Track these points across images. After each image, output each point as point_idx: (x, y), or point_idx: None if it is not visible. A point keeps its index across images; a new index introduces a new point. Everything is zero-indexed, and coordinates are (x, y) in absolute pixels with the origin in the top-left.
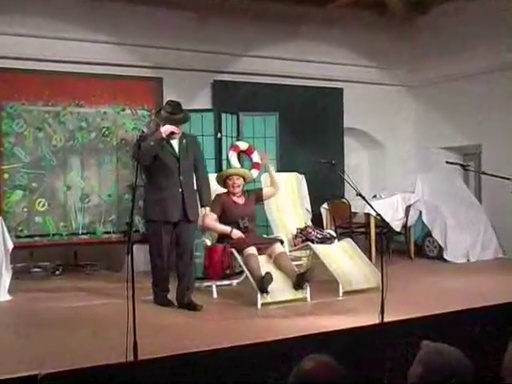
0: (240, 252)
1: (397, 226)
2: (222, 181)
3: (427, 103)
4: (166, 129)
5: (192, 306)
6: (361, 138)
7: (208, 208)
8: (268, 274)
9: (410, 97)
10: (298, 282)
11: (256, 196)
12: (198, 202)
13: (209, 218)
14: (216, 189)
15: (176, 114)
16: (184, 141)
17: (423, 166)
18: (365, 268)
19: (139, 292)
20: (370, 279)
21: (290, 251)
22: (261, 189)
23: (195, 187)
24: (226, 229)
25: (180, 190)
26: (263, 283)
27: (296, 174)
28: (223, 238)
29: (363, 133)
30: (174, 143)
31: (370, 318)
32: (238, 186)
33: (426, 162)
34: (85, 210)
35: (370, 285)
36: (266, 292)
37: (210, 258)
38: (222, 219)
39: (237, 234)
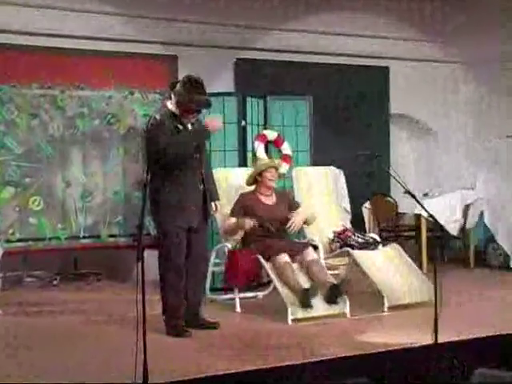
0: (267, 259)
1: (453, 228)
2: (256, 175)
3: (489, 84)
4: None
5: (207, 325)
6: (410, 125)
7: (219, 202)
8: (314, 285)
9: (469, 76)
10: (331, 295)
11: (290, 204)
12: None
13: (227, 222)
14: (238, 186)
15: (200, 93)
16: (195, 124)
17: (485, 158)
18: (414, 279)
19: (151, 305)
20: (420, 292)
21: (326, 258)
22: (298, 205)
23: None
24: (236, 221)
25: (201, 186)
26: (308, 296)
27: (332, 168)
28: (247, 242)
29: (413, 120)
30: (189, 127)
31: (420, 338)
32: (275, 180)
33: (488, 154)
34: (87, 209)
35: (420, 299)
36: (310, 307)
37: (233, 264)
38: None
39: (244, 222)
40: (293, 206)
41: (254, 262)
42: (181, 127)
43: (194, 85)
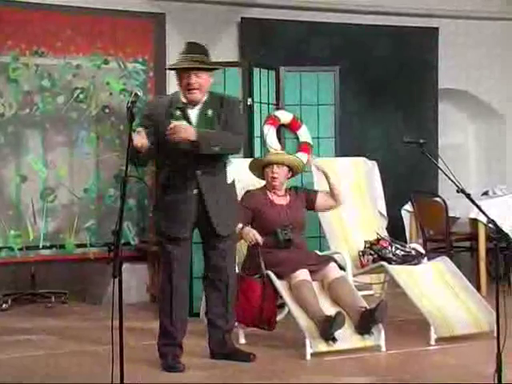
0: (281, 277)
1: None
2: (259, 169)
3: None
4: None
5: (241, 356)
6: (466, 104)
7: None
8: (341, 313)
9: None
10: (363, 323)
11: (306, 199)
12: None
13: None
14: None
15: (192, 52)
16: (209, 110)
17: None
18: (470, 303)
19: (132, 335)
20: (478, 320)
21: (355, 275)
22: (315, 192)
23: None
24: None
25: (195, 191)
26: (331, 327)
27: (364, 159)
28: (254, 259)
29: (469, 96)
30: (193, 114)
31: (479, 380)
32: (278, 178)
33: None
34: (48, 211)
35: (478, 329)
36: (334, 340)
37: (246, 298)
38: (256, 229)
39: (248, 233)
40: (311, 198)
41: (273, 297)
42: (178, 113)
43: (186, 45)
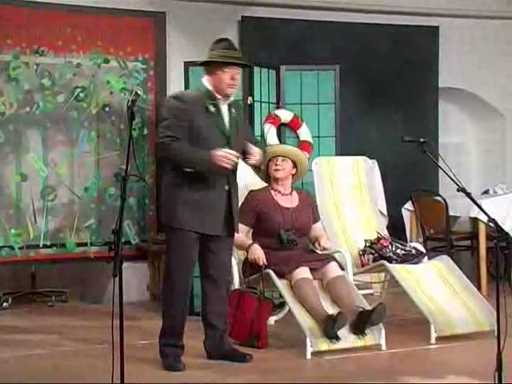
0: (281, 275)
1: None
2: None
3: None
4: (222, 154)
5: (237, 356)
6: (466, 103)
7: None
8: (344, 313)
9: None
10: (359, 324)
11: (312, 215)
12: None
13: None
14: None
15: (233, 48)
16: (233, 108)
17: None
18: (471, 302)
19: (132, 334)
20: (478, 319)
21: (356, 274)
22: (318, 218)
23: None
24: (243, 241)
25: (227, 187)
26: (334, 326)
27: (365, 158)
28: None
29: (470, 96)
30: (224, 110)
31: (479, 379)
32: (282, 171)
33: None
34: (49, 210)
35: (478, 328)
36: (337, 338)
37: (240, 312)
38: (258, 230)
39: (254, 252)
40: (315, 216)
41: (265, 314)
42: (212, 109)
43: (223, 42)
